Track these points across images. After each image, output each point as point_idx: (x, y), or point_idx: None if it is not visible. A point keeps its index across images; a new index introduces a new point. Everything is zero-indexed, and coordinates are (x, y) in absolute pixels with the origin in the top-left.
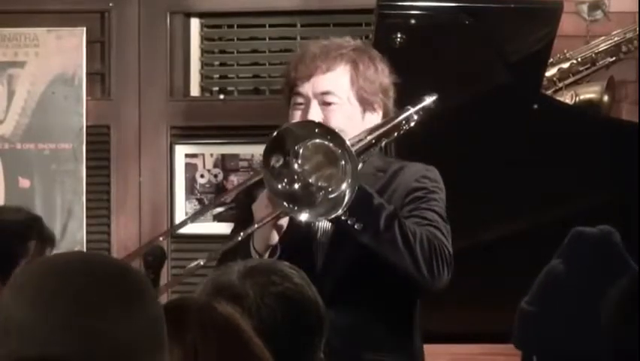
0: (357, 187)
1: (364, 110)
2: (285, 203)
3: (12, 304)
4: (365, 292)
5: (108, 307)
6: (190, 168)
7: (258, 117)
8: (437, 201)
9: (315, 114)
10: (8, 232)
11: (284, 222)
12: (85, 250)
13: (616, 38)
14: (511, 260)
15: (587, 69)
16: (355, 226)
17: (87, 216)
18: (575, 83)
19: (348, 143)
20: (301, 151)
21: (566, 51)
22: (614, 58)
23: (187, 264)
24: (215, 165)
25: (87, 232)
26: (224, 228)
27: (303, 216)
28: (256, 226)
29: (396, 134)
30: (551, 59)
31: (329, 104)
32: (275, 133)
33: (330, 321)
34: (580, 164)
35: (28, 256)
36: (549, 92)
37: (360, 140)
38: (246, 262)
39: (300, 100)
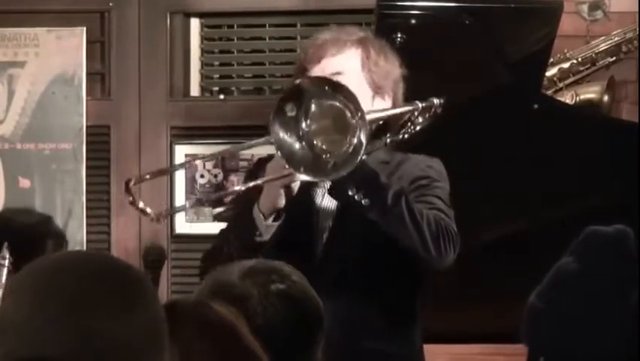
0: (362, 163)
1: (374, 96)
2: (282, 158)
3: (10, 304)
4: (367, 280)
5: (106, 306)
6: (190, 168)
7: (258, 117)
8: (441, 189)
9: None
10: (25, 235)
11: (295, 185)
12: (85, 249)
13: (616, 38)
14: (511, 260)
15: (587, 69)
16: (363, 202)
17: (87, 216)
18: (575, 83)
19: (363, 108)
20: (313, 108)
21: (566, 51)
22: (614, 58)
23: (187, 264)
24: (215, 165)
25: (87, 232)
26: None
27: (304, 176)
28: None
29: (401, 136)
30: (551, 59)
31: None
32: (296, 83)
33: (330, 310)
34: (580, 164)
35: None
36: (549, 92)
37: (371, 112)
38: (244, 262)
39: None
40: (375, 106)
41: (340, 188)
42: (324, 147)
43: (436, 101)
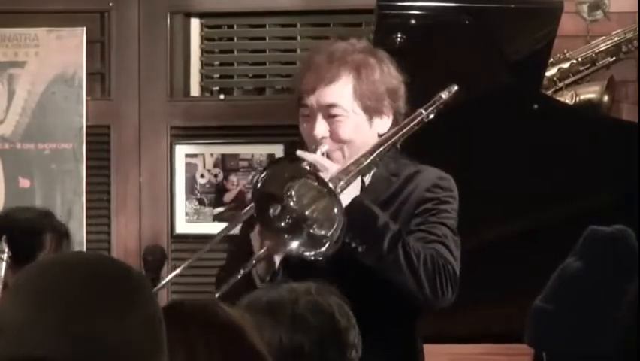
0: (360, 205)
1: (371, 118)
2: (286, 236)
3: (7, 305)
4: (367, 311)
5: (103, 309)
6: (190, 168)
7: (258, 117)
8: (448, 212)
9: (321, 128)
10: (22, 229)
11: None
12: (85, 250)
13: (616, 38)
14: (511, 260)
15: (587, 69)
16: (359, 249)
17: (87, 216)
18: (575, 83)
19: (330, 185)
20: (294, 192)
21: (566, 51)
22: (614, 58)
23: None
24: (215, 165)
25: (87, 232)
26: None
27: (301, 249)
28: (255, 256)
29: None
30: (551, 59)
31: (334, 116)
32: (256, 192)
33: None
34: (580, 164)
35: (45, 250)
36: (549, 92)
37: (354, 166)
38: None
39: (306, 112)
40: (375, 126)
41: None
42: (315, 215)
43: (443, 95)
